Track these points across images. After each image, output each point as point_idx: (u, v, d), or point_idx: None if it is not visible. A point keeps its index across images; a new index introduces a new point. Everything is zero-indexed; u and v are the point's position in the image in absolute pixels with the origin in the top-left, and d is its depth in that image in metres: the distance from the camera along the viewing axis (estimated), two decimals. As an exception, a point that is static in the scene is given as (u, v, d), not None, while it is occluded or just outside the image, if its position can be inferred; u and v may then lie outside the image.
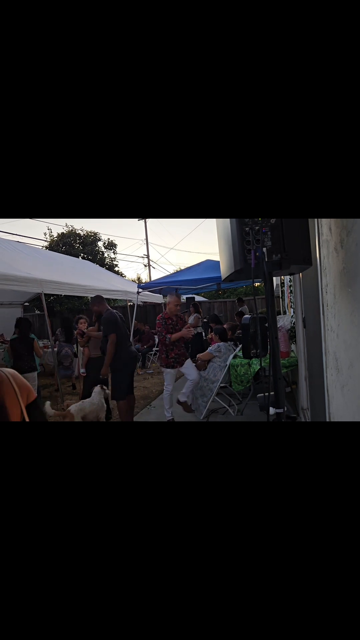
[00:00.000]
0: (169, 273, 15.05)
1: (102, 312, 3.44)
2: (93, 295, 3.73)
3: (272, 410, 1.19)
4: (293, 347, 3.73)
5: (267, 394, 1.19)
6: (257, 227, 1.09)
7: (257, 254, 1.08)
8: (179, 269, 10.32)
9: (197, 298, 9.34)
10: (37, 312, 9.80)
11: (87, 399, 3.39)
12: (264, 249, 1.09)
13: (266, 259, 1.07)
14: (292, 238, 1.11)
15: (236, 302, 8.60)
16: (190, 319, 5.88)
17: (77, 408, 3.24)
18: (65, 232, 12.80)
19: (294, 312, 3.46)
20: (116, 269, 13.36)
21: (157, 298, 8.23)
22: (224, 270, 1.33)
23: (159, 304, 9.63)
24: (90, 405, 3.32)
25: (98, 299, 3.60)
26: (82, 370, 4.03)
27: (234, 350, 3.99)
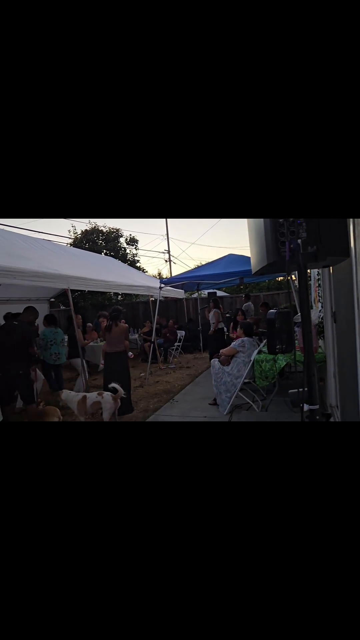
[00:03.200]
0: (189, 268, 14.96)
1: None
2: (115, 291, 3.79)
3: (305, 407, 1.16)
4: (321, 342, 3.62)
5: (300, 389, 1.16)
6: (291, 218, 1.06)
7: (292, 245, 1.05)
8: (200, 264, 10.22)
9: (219, 293, 9.25)
10: (62, 307, 10.09)
11: (80, 392, 3.56)
12: (299, 241, 1.05)
13: (301, 251, 1.04)
14: (328, 228, 1.06)
15: (243, 298, 8.25)
16: (210, 315, 5.82)
17: (66, 394, 3.45)
18: (88, 229, 13.05)
19: (322, 306, 3.35)
20: (137, 264, 13.47)
21: (179, 293, 8.22)
22: (255, 264, 1.30)
23: (181, 299, 9.63)
24: (74, 396, 3.44)
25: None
26: (101, 361, 4.50)
27: (259, 345, 3.93)
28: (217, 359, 3.97)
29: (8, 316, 4.01)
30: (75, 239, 12.78)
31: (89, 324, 6.89)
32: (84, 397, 3.37)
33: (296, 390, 1.20)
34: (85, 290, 8.52)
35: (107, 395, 3.38)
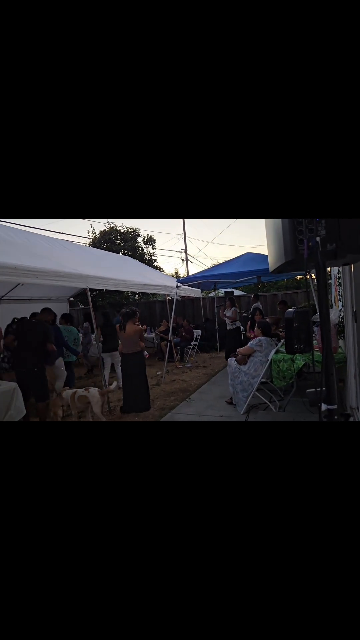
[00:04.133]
0: (206, 267, 14.91)
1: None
2: (133, 290, 3.84)
3: (323, 407, 1.15)
4: (341, 342, 3.53)
5: (318, 389, 1.14)
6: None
7: (310, 243, 1.03)
8: (217, 263, 10.15)
9: (236, 292, 9.17)
10: (80, 306, 10.32)
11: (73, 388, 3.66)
12: (318, 238, 1.04)
13: (320, 249, 1.02)
14: (348, 225, 1.04)
15: (252, 297, 7.90)
16: (229, 313, 5.79)
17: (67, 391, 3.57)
18: (106, 229, 13.25)
19: (342, 305, 3.27)
20: (155, 264, 13.56)
21: (196, 292, 8.22)
22: (272, 262, 1.29)
23: (197, 299, 9.62)
24: (69, 391, 3.53)
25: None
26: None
27: (276, 345, 3.88)
28: (233, 358, 3.95)
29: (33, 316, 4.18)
30: (94, 239, 13.01)
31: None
32: (75, 392, 3.54)
33: (314, 389, 1.19)
34: (103, 290, 8.68)
35: (94, 390, 3.50)
